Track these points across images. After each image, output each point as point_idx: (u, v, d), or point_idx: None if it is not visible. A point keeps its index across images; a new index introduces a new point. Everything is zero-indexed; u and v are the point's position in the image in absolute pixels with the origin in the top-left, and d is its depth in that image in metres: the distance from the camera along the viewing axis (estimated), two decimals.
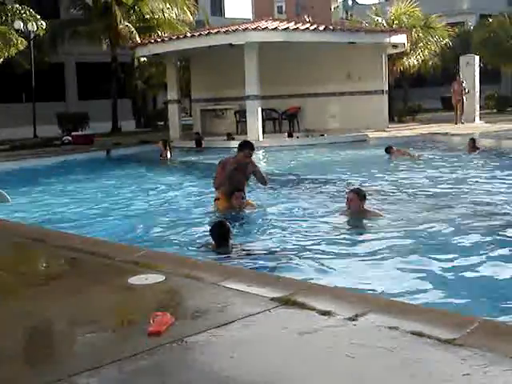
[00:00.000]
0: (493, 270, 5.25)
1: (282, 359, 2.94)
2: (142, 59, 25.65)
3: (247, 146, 8.04)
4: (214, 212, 8.01)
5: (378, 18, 27.27)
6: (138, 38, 23.61)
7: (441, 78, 31.40)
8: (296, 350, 3.04)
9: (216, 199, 8.13)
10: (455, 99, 23.22)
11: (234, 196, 7.78)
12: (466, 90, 23.28)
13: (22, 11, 21.10)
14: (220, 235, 5.91)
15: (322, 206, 8.37)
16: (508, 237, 6.40)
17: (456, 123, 22.44)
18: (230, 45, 18.81)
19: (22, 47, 20.34)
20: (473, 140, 14.73)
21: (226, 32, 18.82)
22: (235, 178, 7.93)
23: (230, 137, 19.36)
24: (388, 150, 14.08)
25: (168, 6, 25.50)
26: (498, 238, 6.39)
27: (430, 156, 14.59)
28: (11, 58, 20.65)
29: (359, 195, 7.18)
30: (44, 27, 21.86)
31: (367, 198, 7.36)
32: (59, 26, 25.08)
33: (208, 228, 6.40)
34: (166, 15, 25.56)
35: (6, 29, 19.98)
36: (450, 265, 5.42)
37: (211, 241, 6.03)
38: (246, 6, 68.20)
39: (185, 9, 26.49)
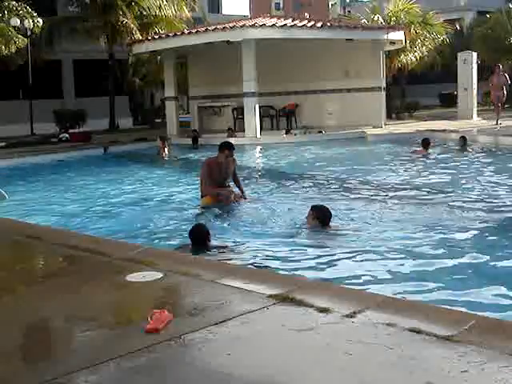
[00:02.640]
0: (490, 266, 5.26)
1: (279, 356, 2.94)
2: (145, 55, 25.57)
3: (226, 147, 8.33)
4: (204, 208, 8.11)
5: (375, 14, 27.27)
6: (138, 34, 23.58)
7: (439, 74, 31.43)
8: (294, 347, 3.04)
9: (203, 196, 8.32)
10: (494, 95, 20.55)
11: (223, 189, 8.06)
12: (509, 82, 20.68)
13: (19, 8, 21.03)
14: (198, 238, 5.82)
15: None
16: (504, 233, 6.42)
17: (496, 123, 19.49)
18: (228, 42, 18.79)
19: (22, 45, 20.32)
20: (463, 138, 14.78)
21: (223, 29, 18.80)
22: (221, 176, 8.26)
23: (230, 132, 19.33)
24: (426, 142, 13.61)
25: (165, 2, 25.46)
26: (495, 234, 6.40)
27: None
28: (7, 55, 20.61)
29: (314, 213, 6.57)
30: (40, 24, 21.81)
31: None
32: (56, 23, 25.01)
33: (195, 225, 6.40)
34: (163, 12, 25.51)
35: (4, 26, 19.94)
36: (447, 262, 5.43)
37: (189, 242, 5.92)
38: (243, 3, 68.14)
39: (182, 5, 26.45)
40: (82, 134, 21.20)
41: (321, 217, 6.51)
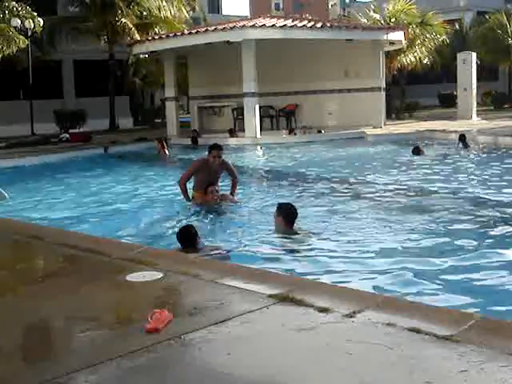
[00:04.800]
0: (489, 266, 5.26)
1: (279, 356, 2.94)
2: (142, 56, 25.61)
3: (214, 148, 8.43)
4: (191, 207, 8.22)
5: (375, 15, 27.29)
6: (136, 35, 23.60)
7: (439, 75, 31.46)
8: (294, 346, 3.04)
9: (192, 197, 8.44)
10: None
11: (208, 190, 8.12)
12: None
13: (20, 8, 21.04)
14: (186, 240, 5.75)
15: (306, 203, 8.41)
16: (503, 232, 6.42)
17: None
18: (228, 42, 18.80)
19: (23, 45, 20.33)
20: (463, 136, 14.82)
21: (223, 29, 18.81)
22: (210, 177, 8.33)
23: (232, 133, 19.34)
24: (416, 150, 13.55)
25: (164, 3, 25.47)
26: (494, 233, 6.41)
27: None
28: (12, 55, 20.61)
29: (279, 210, 6.48)
30: (41, 24, 21.82)
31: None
32: (56, 23, 25.03)
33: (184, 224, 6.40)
34: (163, 13, 25.53)
35: (5, 26, 19.95)
36: (446, 262, 5.42)
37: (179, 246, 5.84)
38: (243, 3, 68.24)
39: (181, 6, 26.47)
40: (82, 134, 21.21)
41: (285, 214, 6.43)
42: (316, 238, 6.42)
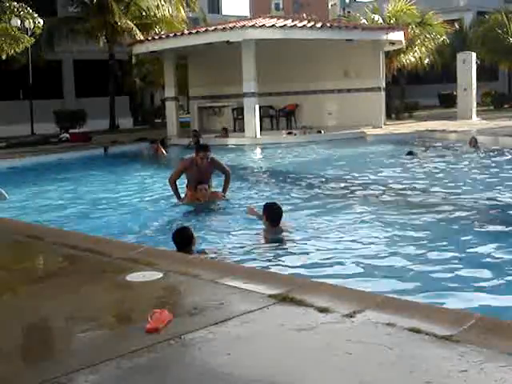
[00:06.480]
0: (489, 266, 5.26)
1: (279, 356, 2.94)
2: (147, 56, 25.60)
3: (200, 149, 8.61)
4: (183, 204, 8.37)
5: (374, 15, 27.29)
6: (139, 34, 23.61)
7: (439, 75, 31.44)
8: (293, 346, 3.04)
9: (185, 195, 8.59)
10: None
11: (198, 188, 8.26)
12: None
13: (20, 9, 21.03)
14: (182, 242, 5.66)
15: (304, 202, 8.40)
16: (504, 232, 6.43)
17: None
18: (228, 42, 18.80)
19: (28, 44, 20.31)
20: (474, 138, 14.89)
21: (223, 29, 18.82)
22: (199, 176, 8.43)
23: (224, 132, 19.29)
24: (411, 154, 13.79)
25: (163, 3, 25.45)
26: (494, 233, 6.41)
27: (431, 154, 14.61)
28: (10, 55, 20.61)
29: (264, 211, 6.52)
30: (41, 25, 21.81)
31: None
32: (56, 23, 25.03)
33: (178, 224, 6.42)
34: (162, 12, 25.53)
35: (8, 26, 19.93)
36: (446, 261, 5.43)
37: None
38: (243, 3, 68.31)
39: (179, 6, 26.47)
40: (82, 134, 21.22)
41: (270, 214, 6.45)
42: (315, 237, 6.43)
